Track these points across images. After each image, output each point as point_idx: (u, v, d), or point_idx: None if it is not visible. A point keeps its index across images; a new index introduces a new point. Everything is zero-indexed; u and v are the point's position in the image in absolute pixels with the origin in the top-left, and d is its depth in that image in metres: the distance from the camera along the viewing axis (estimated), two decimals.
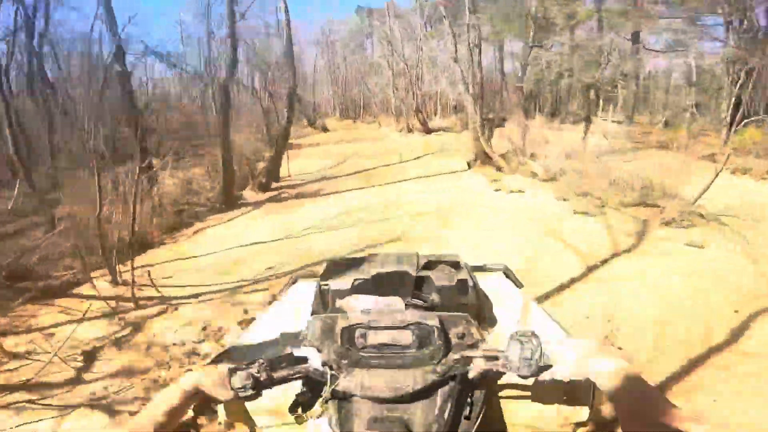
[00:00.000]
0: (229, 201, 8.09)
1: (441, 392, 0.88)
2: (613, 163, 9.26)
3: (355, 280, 1.22)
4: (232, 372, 0.87)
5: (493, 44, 20.08)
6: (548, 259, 5.54)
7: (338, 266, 1.35)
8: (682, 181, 7.78)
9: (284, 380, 0.91)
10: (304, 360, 0.94)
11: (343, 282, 1.23)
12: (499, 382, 1.03)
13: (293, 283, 1.62)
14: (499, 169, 10.39)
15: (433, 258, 1.31)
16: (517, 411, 1.19)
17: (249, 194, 8.94)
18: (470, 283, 1.21)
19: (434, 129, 19.80)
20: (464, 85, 11.22)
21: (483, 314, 1.28)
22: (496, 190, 8.90)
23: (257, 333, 1.42)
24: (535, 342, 0.84)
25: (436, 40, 22.63)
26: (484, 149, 10.79)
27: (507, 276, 1.60)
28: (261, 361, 0.89)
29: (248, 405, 1.18)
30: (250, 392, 0.87)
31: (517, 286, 1.56)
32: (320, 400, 0.88)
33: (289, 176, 10.93)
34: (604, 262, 5.50)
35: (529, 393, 1.17)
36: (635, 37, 14.75)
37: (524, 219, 6.95)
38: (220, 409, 1.18)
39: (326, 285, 1.25)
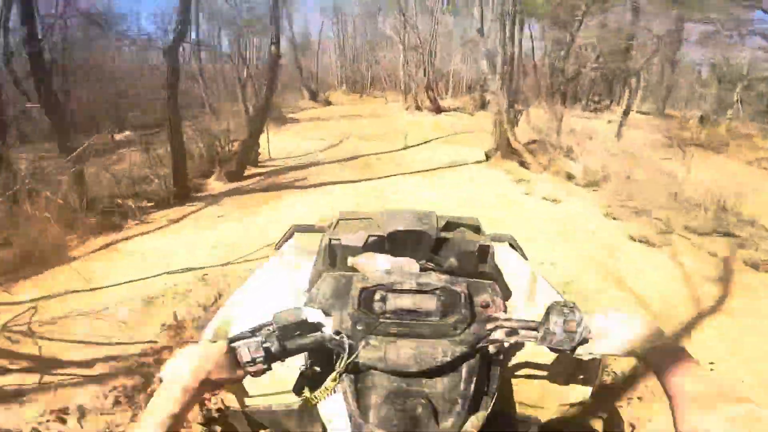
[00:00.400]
0: (180, 194, 6.27)
1: (466, 366, 0.84)
2: (668, 169, 7.43)
3: (369, 236, 1.08)
4: (234, 343, 0.79)
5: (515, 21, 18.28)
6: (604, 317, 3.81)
7: (349, 221, 1.20)
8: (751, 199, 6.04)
9: (298, 350, 0.83)
10: (318, 326, 0.85)
11: (355, 238, 1.09)
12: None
13: (290, 236, 1.53)
14: (523, 164, 8.56)
15: (453, 219, 1.18)
16: (521, 389, 1.13)
17: (214, 184, 7.18)
18: (491, 250, 1.09)
19: (445, 109, 17.86)
20: (489, 61, 9.23)
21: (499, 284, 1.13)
22: (525, 194, 7.08)
23: (255, 293, 1.31)
24: (578, 314, 0.82)
25: (452, 17, 20.43)
26: (509, 138, 8.90)
27: (513, 247, 1.57)
28: (269, 327, 0.81)
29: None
30: (260, 366, 0.80)
31: (524, 258, 1.53)
32: (333, 374, 0.81)
33: (269, 159, 9.12)
34: (687, 327, 3.79)
35: (536, 371, 1.12)
36: (676, 23, 12.86)
37: (562, 243, 5.17)
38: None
39: (337, 240, 1.10)
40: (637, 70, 12.26)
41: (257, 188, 7.33)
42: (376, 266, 1.00)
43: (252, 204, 6.48)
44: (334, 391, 0.83)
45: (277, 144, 9.68)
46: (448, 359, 0.83)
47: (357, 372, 0.83)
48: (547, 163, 8.31)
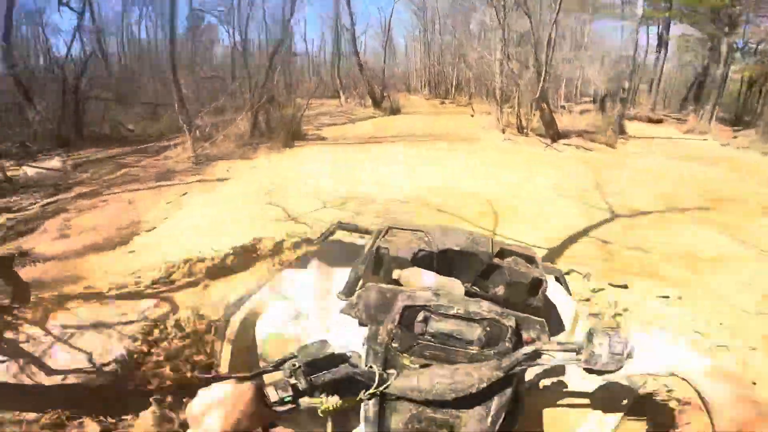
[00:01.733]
0: None
1: (498, 397, 0.81)
2: None
3: (420, 251, 1.06)
4: (260, 385, 0.76)
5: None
6: None
7: (398, 230, 1.16)
8: None
9: (327, 385, 0.78)
10: (345, 359, 0.82)
11: (405, 250, 1.06)
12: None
13: (332, 233, 1.49)
14: None
15: (508, 246, 1.14)
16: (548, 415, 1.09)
17: None
18: (545, 285, 1.06)
19: (564, 133, 11.69)
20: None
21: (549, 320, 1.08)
22: None
23: (286, 287, 1.27)
24: (623, 335, 0.80)
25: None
26: None
27: (558, 281, 1.50)
28: (294, 363, 0.78)
29: None
30: (288, 406, 0.76)
31: (569, 293, 1.45)
32: (357, 398, 0.79)
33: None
34: None
35: (560, 398, 1.08)
36: None
37: None
38: None
39: (385, 249, 1.08)
40: None
41: None
42: (421, 282, 0.96)
43: None
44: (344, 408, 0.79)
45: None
46: (477, 389, 0.79)
47: (384, 395, 0.81)
48: None
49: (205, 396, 0.72)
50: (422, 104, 19.87)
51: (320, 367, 0.78)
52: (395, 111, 16.71)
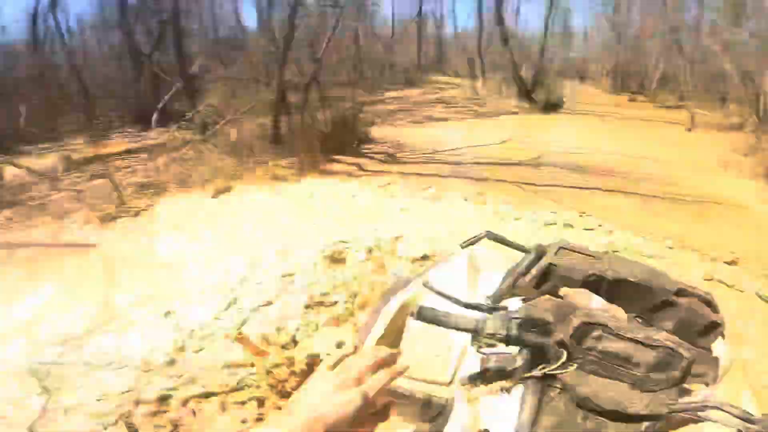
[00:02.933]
0: None
1: (647, 426, 0.77)
2: None
3: (592, 274, 1.01)
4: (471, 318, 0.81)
5: None
6: None
7: (570, 252, 1.11)
8: None
9: (527, 343, 0.80)
10: (547, 331, 0.82)
11: (576, 270, 1.02)
12: None
13: (479, 239, 1.37)
14: None
15: (689, 287, 1.04)
16: None
17: None
18: (721, 329, 0.98)
19: None
20: None
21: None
22: None
23: (442, 281, 1.14)
24: None
25: None
26: None
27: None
28: (513, 316, 0.81)
29: None
30: (498, 342, 0.80)
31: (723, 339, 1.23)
32: (536, 371, 0.79)
33: None
34: None
35: None
36: None
37: None
38: None
39: (555, 265, 1.04)
40: None
41: None
42: (588, 305, 0.93)
43: None
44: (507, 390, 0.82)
45: None
46: (645, 412, 0.77)
47: (539, 386, 0.80)
48: None
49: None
50: (600, 99, 13.36)
51: (530, 328, 0.80)
52: (552, 106, 10.85)
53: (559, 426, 0.77)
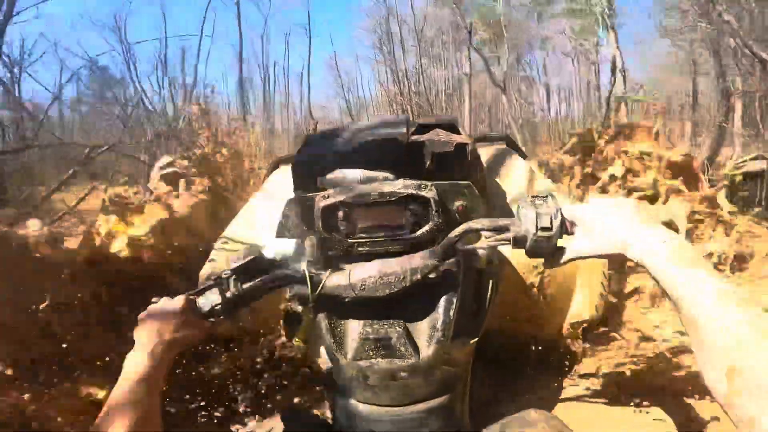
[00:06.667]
0: None
1: (445, 291, 0.78)
2: None
3: (338, 151, 0.96)
4: (193, 297, 0.78)
5: None
6: None
7: (318, 138, 1.07)
8: None
9: (258, 291, 0.79)
10: (276, 263, 0.83)
11: (324, 155, 0.98)
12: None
13: (275, 167, 1.40)
14: None
15: (426, 122, 1.02)
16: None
17: None
18: (470, 147, 0.96)
19: None
20: None
21: (494, 202, 1.10)
22: None
23: (241, 230, 1.27)
24: (553, 205, 0.67)
25: None
26: None
27: (509, 146, 1.39)
28: (225, 273, 0.78)
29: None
30: (220, 316, 0.78)
31: (522, 157, 1.37)
32: (304, 308, 0.81)
33: None
34: None
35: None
36: None
37: None
38: None
39: (303, 159, 1.00)
40: None
41: None
42: (348, 179, 0.90)
43: None
44: (312, 328, 0.81)
45: None
46: (418, 276, 0.76)
47: (332, 304, 0.79)
48: None
49: (151, 308, 0.76)
50: None
51: (252, 275, 0.78)
52: None
53: (363, 330, 0.75)
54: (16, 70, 11.20)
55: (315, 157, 0.97)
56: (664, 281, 0.55)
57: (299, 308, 0.82)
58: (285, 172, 1.24)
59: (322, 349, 0.83)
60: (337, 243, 0.79)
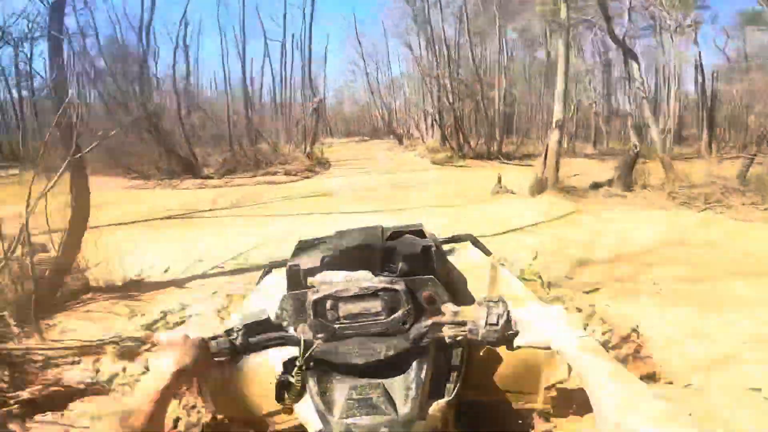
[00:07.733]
0: None
1: (417, 357, 0.90)
2: None
3: (324, 257, 1.14)
4: (208, 340, 0.91)
5: None
6: None
7: (307, 246, 1.30)
8: None
9: (261, 345, 0.94)
10: (280, 327, 0.98)
11: (312, 260, 1.16)
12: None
13: (268, 272, 1.64)
14: None
15: (398, 229, 1.27)
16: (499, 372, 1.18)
17: None
18: (433, 248, 1.15)
19: None
20: None
21: (457, 288, 1.21)
22: None
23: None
24: (502, 307, 0.85)
25: None
26: None
27: (475, 245, 1.68)
28: (238, 326, 0.93)
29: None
30: (225, 357, 0.91)
31: (486, 254, 1.61)
32: (295, 370, 0.91)
33: None
34: None
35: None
36: None
37: None
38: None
39: (296, 265, 1.17)
40: None
41: None
42: (332, 281, 1.03)
43: None
44: (302, 393, 0.91)
45: None
46: (393, 352, 0.88)
47: (321, 373, 0.91)
48: None
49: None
50: None
51: (258, 332, 0.93)
52: None
53: (349, 392, 0.85)
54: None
55: (305, 266, 1.14)
56: (575, 364, 0.75)
57: (289, 377, 0.92)
58: (276, 275, 1.56)
59: (310, 410, 0.91)
60: (327, 328, 0.93)
